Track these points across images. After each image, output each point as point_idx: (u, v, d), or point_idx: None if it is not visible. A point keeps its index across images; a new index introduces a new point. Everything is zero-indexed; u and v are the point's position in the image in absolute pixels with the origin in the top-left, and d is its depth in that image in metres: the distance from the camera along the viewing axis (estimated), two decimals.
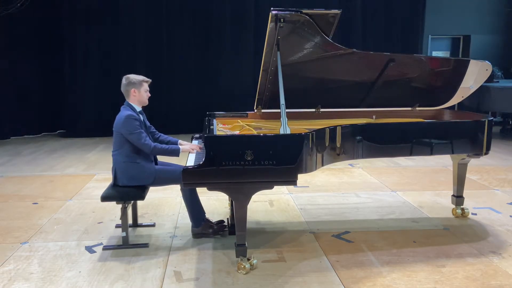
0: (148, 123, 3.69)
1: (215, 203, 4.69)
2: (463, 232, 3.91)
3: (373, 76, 4.09)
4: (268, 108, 4.22)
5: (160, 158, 3.75)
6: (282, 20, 3.32)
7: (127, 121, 3.40)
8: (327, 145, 3.28)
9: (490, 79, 8.65)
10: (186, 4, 9.03)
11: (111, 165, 3.63)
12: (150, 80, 3.63)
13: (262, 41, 3.58)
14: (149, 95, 3.63)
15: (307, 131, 3.19)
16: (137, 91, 3.53)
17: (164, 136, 3.82)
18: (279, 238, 3.79)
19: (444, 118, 4.46)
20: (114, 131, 3.52)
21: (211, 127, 3.87)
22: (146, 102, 3.62)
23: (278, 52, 3.49)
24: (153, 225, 4.07)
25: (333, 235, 3.83)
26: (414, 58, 4.38)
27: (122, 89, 3.57)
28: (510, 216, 4.32)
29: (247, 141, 3.03)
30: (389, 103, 4.38)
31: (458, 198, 4.26)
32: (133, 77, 3.54)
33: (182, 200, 3.78)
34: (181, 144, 3.68)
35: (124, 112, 3.48)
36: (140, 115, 3.55)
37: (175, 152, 3.48)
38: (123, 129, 3.42)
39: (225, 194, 3.27)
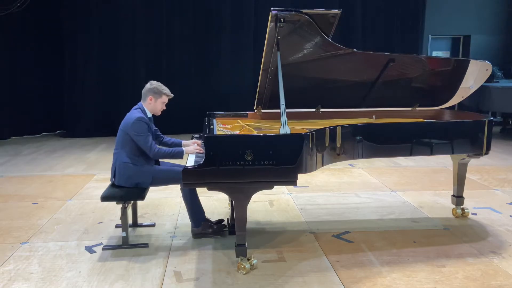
0: (153, 127, 3.70)
1: (215, 203, 4.69)
2: (463, 232, 3.91)
3: (373, 76, 4.09)
4: (268, 108, 4.22)
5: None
6: (282, 20, 3.32)
7: (136, 123, 3.42)
8: (327, 145, 3.28)
9: (490, 79, 8.65)
10: (186, 4, 9.03)
11: (111, 165, 3.63)
12: (172, 95, 3.63)
13: (262, 41, 3.58)
14: (164, 108, 3.64)
15: (307, 131, 3.18)
16: (154, 100, 3.56)
17: (167, 138, 3.83)
18: (279, 238, 3.79)
19: (444, 118, 4.46)
20: (120, 129, 3.53)
21: (211, 127, 3.87)
22: (158, 113, 3.65)
23: (278, 52, 3.49)
24: (153, 225, 4.08)
25: (333, 235, 3.83)
26: (414, 58, 4.37)
27: (143, 91, 3.59)
28: (510, 216, 4.32)
29: (247, 141, 3.03)
30: (389, 103, 4.38)
31: (458, 198, 4.26)
32: (157, 85, 3.57)
33: (182, 200, 3.78)
34: (184, 145, 3.67)
35: (135, 113, 3.49)
36: (149, 121, 3.57)
37: (179, 155, 3.48)
38: (131, 130, 3.43)
39: (225, 194, 3.27)
